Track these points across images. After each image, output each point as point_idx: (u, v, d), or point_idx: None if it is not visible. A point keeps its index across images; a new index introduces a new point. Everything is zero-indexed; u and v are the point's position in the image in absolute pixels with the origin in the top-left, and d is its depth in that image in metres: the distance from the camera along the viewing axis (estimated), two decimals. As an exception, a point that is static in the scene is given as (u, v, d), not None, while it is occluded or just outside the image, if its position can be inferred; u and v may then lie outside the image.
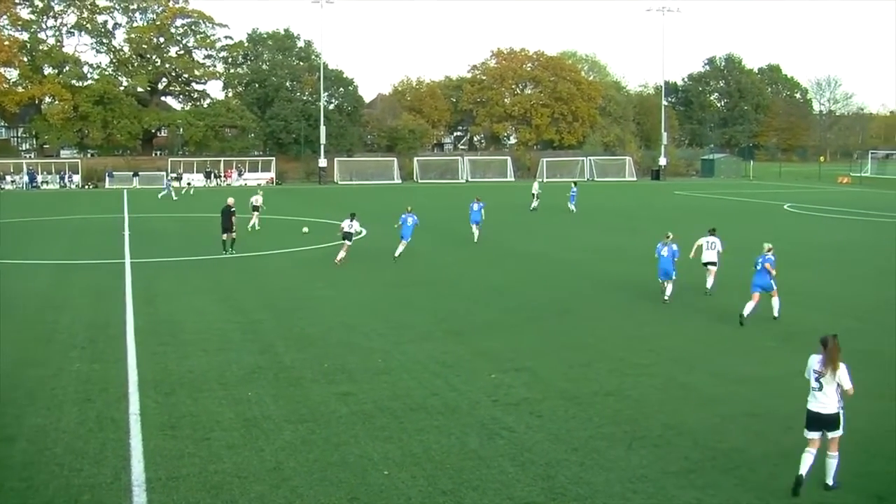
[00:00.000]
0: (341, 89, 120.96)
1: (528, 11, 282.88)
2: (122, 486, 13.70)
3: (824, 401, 13.52)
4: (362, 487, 13.66)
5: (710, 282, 31.33)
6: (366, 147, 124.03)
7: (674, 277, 29.66)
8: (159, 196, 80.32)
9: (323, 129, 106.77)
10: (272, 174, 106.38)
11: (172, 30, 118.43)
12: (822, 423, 13.57)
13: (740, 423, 16.74)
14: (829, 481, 13.75)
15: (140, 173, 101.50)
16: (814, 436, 13.62)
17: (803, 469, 13.47)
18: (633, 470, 14.39)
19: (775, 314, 26.35)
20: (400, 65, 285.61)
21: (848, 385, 13.52)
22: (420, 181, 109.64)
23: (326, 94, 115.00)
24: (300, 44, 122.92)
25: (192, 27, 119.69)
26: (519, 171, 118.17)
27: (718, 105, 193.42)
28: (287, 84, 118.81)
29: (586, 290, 31.68)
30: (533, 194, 67.64)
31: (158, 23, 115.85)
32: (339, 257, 37.06)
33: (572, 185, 68.38)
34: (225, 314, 26.83)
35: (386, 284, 32.37)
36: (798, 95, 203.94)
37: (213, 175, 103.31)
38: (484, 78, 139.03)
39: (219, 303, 28.74)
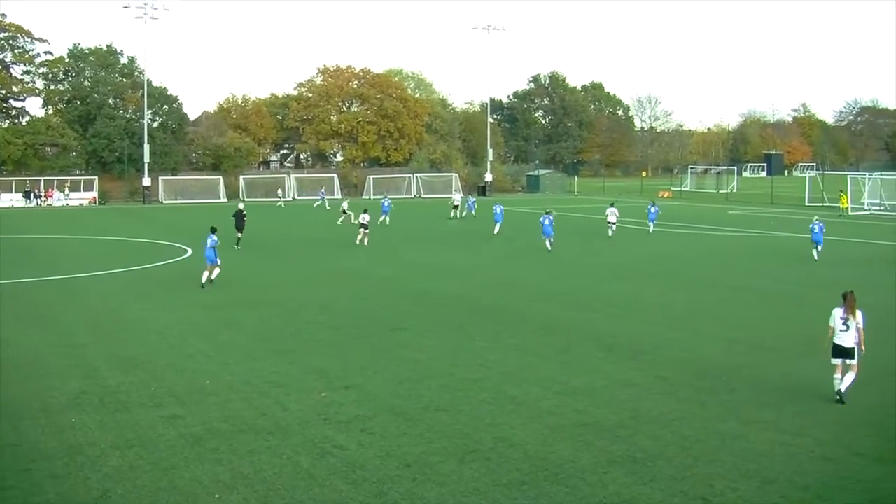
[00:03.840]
0: (165, 107, 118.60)
1: (354, 29, 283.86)
2: (-64, 523, 13.14)
3: (846, 338, 18.98)
4: (192, 512, 13.41)
5: (610, 232, 57.51)
6: (191, 165, 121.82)
7: (552, 237, 48.66)
8: (314, 206, 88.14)
9: (147, 147, 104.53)
10: (94, 193, 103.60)
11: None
12: (844, 353, 19.02)
13: (569, 433, 17.03)
14: (843, 388, 19.00)
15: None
16: (837, 362, 19.15)
17: (837, 385, 19.05)
18: (466, 483, 14.48)
19: (815, 257, 44.47)
20: (225, 82, 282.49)
21: (861, 325, 19.07)
22: (246, 199, 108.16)
23: (150, 111, 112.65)
24: (123, 60, 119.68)
25: (10, 42, 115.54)
26: (346, 188, 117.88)
27: (543, 122, 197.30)
28: (110, 101, 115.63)
29: (413, 306, 31.78)
30: (456, 205, 76.00)
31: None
32: (358, 239, 51.67)
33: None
34: (47, 338, 25.97)
35: (213, 305, 31.83)
36: (620, 112, 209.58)
37: (32, 195, 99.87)
38: (310, 95, 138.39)
39: (40, 327, 27.76)
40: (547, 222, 49.50)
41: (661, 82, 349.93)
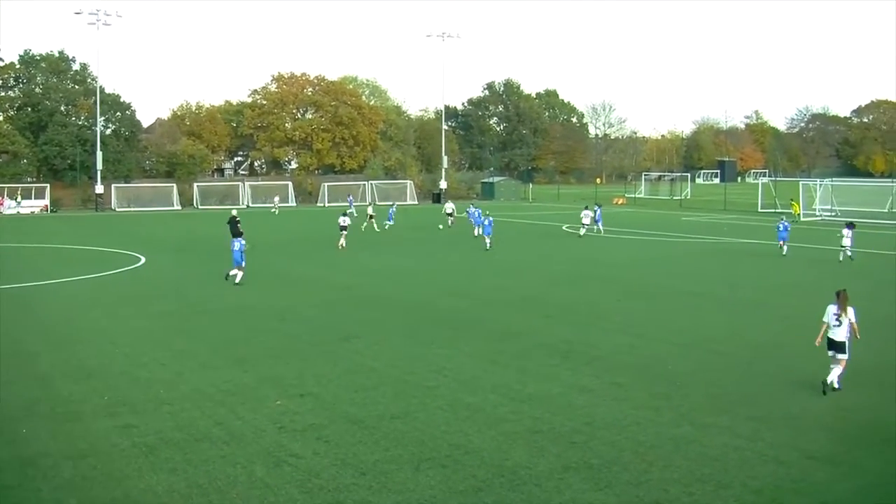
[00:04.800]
0: (118, 114, 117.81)
1: (309, 36, 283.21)
2: None
3: (839, 332, 20.30)
4: (146, 522, 13.29)
5: (582, 231, 63.68)
6: (144, 173, 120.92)
7: (491, 234, 54.20)
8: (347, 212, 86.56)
9: (99, 154, 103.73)
10: (46, 201, 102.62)
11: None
12: (836, 346, 20.32)
13: (525, 439, 17.05)
14: (836, 385, 20.21)
15: None
16: (832, 354, 20.44)
17: (835, 377, 20.27)
18: (422, 491, 14.46)
19: (783, 253, 50.40)
20: (179, 89, 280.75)
21: (854, 321, 20.43)
22: (200, 207, 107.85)
23: (103, 118, 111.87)
24: (75, 66, 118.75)
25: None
26: (300, 196, 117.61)
27: (498, 129, 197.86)
28: (62, 108, 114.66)
29: (370, 313, 31.68)
30: (449, 213, 75.85)
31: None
32: (340, 243, 53.84)
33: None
34: (-3, 348, 25.69)
35: (166, 313, 31.62)
36: (574, 120, 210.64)
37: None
38: (265, 102, 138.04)
39: (-10, 336, 27.46)
40: (487, 223, 55.35)
41: (615, 90, 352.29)
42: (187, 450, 16.43)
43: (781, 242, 51.45)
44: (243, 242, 39.58)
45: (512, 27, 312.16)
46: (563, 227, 72.36)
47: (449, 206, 78.37)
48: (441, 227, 72.37)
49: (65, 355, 24.66)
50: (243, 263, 38.56)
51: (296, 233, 66.59)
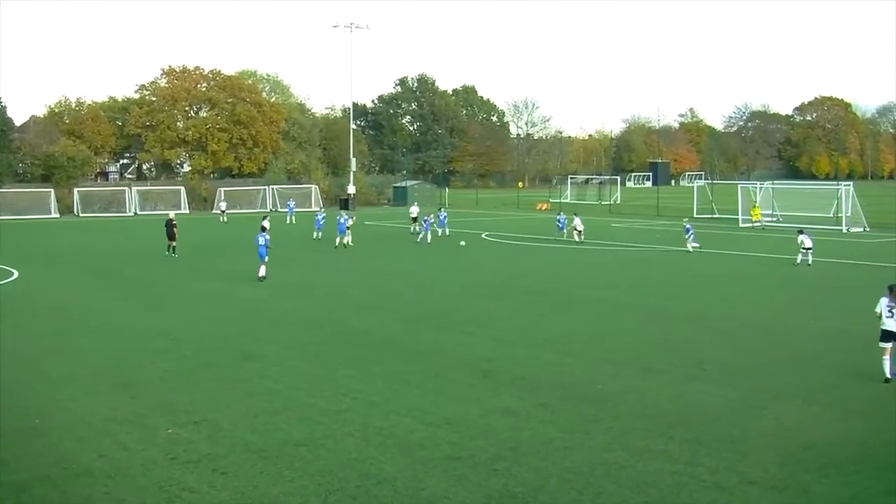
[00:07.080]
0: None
1: (203, 25, 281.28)
2: None
3: (892, 323, 22.93)
4: (19, 568, 13.02)
5: (576, 238, 65.72)
6: (17, 177, 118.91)
7: (345, 233, 61.49)
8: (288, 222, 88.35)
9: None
10: None
11: None
12: (892, 336, 22.95)
13: (442, 467, 17.01)
14: (893, 373, 23.03)
15: None
16: (886, 345, 23.12)
17: (887, 369, 23.01)
18: (329, 527, 14.36)
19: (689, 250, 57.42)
20: (57, 83, 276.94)
21: None
22: (81, 215, 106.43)
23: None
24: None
25: None
26: (194, 202, 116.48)
27: (411, 128, 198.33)
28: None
29: (269, 330, 31.50)
30: (414, 218, 74.60)
31: None
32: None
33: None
34: None
35: (42, 334, 31.04)
36: (494, 118, 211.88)
37: None
38: (154, 99, 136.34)
39: None
40: (342, 220, 62.49)
41: (538, 86, 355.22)
42: (65, 487, 16.13)
43: (687, 238, 59.20)
44: (268, 238, 44.47)
45: (427, 18, 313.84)
46: (483, 236, 72.59)
47: (414, 210, 76.51)
48: (411, 232, 71.56)
49: (-74, 382, 24.13)
50: (266, 258, 43.68)
51: (192, 242, 65.88)
